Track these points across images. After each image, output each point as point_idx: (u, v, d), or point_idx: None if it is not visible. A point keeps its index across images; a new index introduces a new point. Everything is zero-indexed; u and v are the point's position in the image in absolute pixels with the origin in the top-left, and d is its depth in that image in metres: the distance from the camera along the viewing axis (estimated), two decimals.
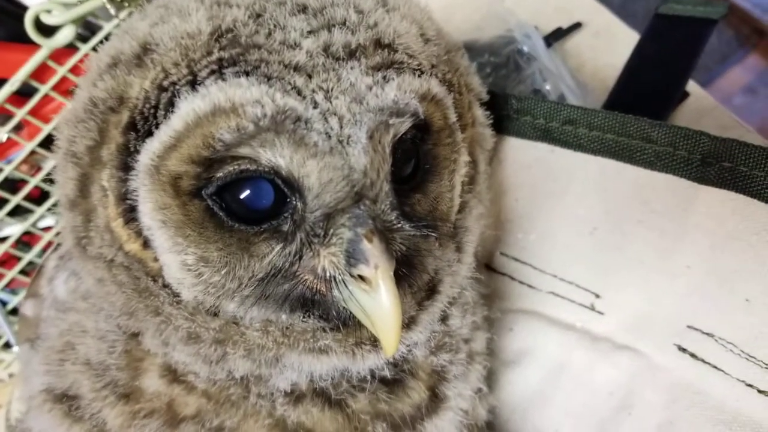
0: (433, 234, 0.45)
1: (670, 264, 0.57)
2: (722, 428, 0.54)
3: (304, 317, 0.43)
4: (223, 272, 0.41)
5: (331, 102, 0.38)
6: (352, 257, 0.39)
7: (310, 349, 0.43)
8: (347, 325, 0.43)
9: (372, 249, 0.39)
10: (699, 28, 0.71)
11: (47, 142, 0.83)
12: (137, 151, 0.41)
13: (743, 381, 0.54)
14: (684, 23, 0.72)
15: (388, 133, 0.40)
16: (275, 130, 0.38)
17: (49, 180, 0.85)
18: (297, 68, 0.39)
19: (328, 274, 0.41)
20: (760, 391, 0.53)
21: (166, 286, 0.43)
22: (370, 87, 0.39)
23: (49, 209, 0.88)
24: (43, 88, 0.75)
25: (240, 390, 0.45)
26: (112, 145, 0.41)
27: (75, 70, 0.76)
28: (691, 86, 0.71)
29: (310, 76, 0.39)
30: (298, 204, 0.41)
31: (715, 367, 0.55)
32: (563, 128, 0.59)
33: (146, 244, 0.43)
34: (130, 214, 0.42)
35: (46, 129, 0.80)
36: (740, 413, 0.54)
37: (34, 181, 0.84)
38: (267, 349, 0.43)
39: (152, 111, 0.40)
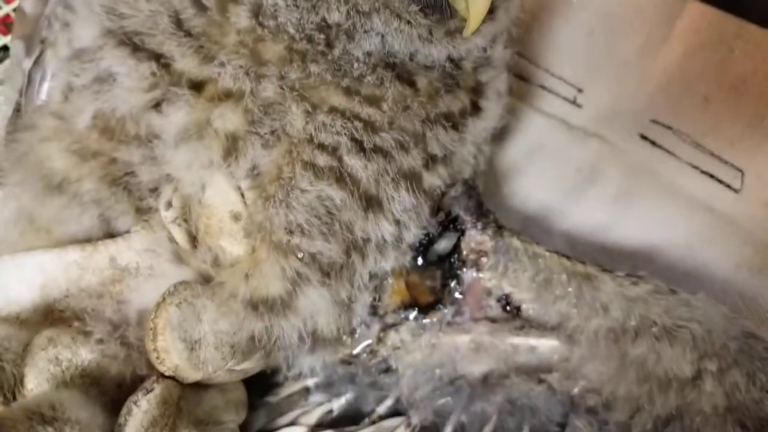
0: None
1: (649, 67, 0.67)
2: (667, 198, 0.66)
3: None
4: None
5: None
6: None
7: (398, 15, 0.47)
8: (438, 13, 0.48)
9: None
10: None
11: None
12: None
13: (690, 163, 0.66)
14: None
15: None
16: None
17: None
18: None
19: None
20: (701, 171, 0.65)
21: None
22: None
23: None
24: None
25: (323, 45, 0.47)
26: None
27: None
28: None
29: None
30: None
31: (670, 152, 0.66)
32: None
33: None
34: None
35: None
36: (684, 188, 0.65)
37: None
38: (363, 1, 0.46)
39: None
